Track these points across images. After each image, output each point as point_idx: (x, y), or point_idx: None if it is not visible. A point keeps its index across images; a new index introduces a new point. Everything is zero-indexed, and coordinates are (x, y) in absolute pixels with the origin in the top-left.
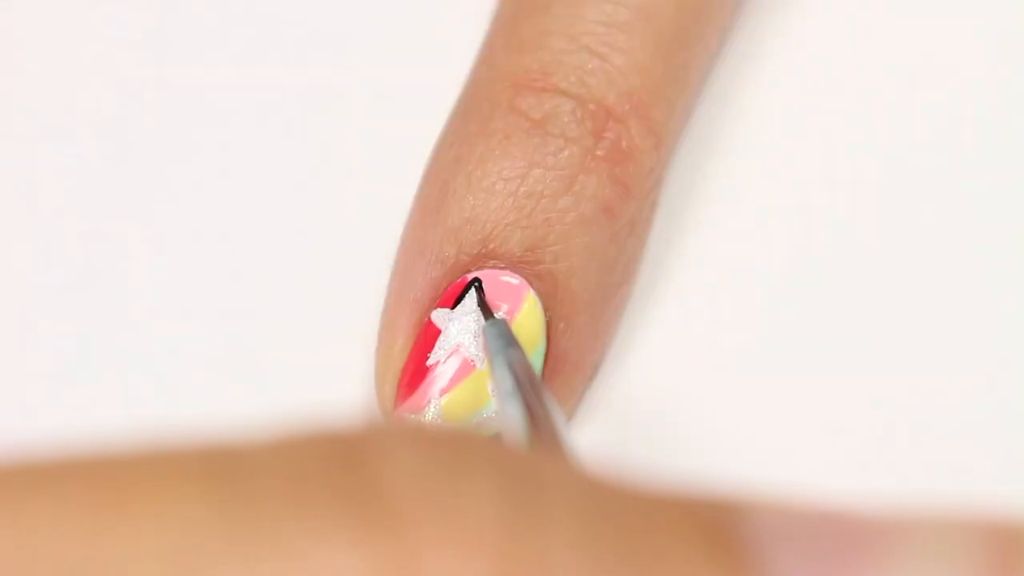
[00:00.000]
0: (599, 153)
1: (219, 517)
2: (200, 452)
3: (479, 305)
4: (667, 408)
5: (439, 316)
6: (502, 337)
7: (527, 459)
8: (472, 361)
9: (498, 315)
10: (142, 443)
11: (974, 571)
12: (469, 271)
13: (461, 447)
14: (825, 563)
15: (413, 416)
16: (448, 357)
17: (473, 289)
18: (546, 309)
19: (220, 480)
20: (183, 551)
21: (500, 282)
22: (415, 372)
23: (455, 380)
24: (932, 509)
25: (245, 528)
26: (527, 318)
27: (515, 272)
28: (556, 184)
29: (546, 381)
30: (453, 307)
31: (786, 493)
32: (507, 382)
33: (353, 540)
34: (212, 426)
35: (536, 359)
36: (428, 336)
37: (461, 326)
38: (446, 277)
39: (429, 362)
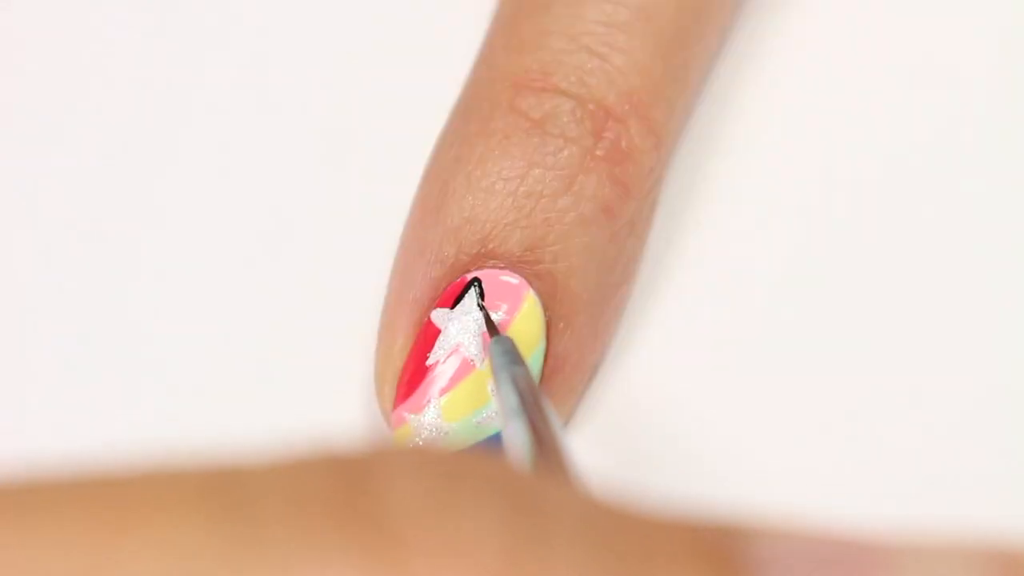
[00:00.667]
0: (599, 153)
1: (219, 541)
2: (201, 474)
3: (485, 323)
4: (667, 408)
5: (439, 316)
6: (507, 354)
7: (530, 485)
8: (472, 361)
9: (495, 316)
10: (143, 464)
11: None
12: (469, 271)
13: (464, 473)
14: None
15: (414, 416)
16: (448, 357)
17: (473, 290)
18: (546, 309)
19: (221, 504)
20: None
21: (500, 282)
22: (415, 372)
23: (455, 380)
24: (935, 534)
25: (245, 553)
26: (526, 318)
27: (515, 272)
28: (556, 184)
29: (546, 381)
30: (453, 307)
31: (789, 510)
32: (512, 400)
33: (354, 567)
34: (214, 442)
35: (536, 359)
36: (428, 336)
37: (461, 326)
38: (446, 277)
39: (429, 362)
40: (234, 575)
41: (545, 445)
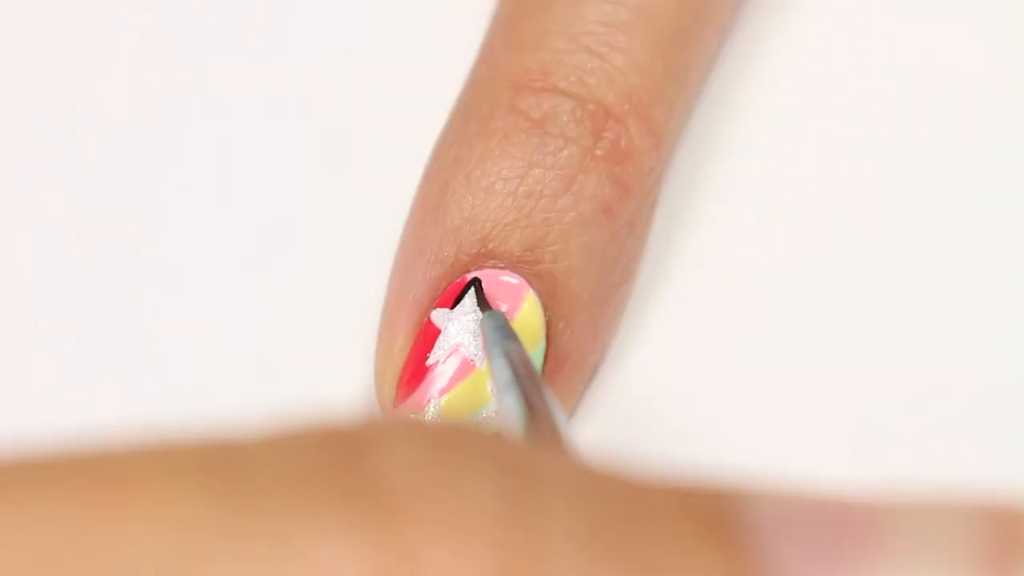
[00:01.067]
0: (598, 153)
1: (216, 515)
2: (196, 448)
3: (477, 298)
4: (667, 408)
5: (439, 316)
6: (500, 329)
7: (525, 453)
8: (472, 361)
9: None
10: (138, 439)
11: (973, 552)
12: (468, 271)
13: (459, 442)
14: (825, 549)
15: (414, 416)
16: (448, 357)
17: (472, 289)
18: (546, 309)
19: (217, 477)
20: (181, 549)
21: (500, 282)
22: (415, 372)
23: (455, 380)
24: (933, 493)
25: (243, 525)
26: (527, 318)
27: (514, 272)
28: (555, 184)
29: (546, 381)
30: (452, 307)
31: (784, 482)
32: (505, 373)
33: (351, 536)
34: (210, 423)
35: (536, 359)
36: (428, 336)
37: (461, 326)
38: (445, 277)
39: (429, 362)
40: (232, 547)
41: (539, 418)
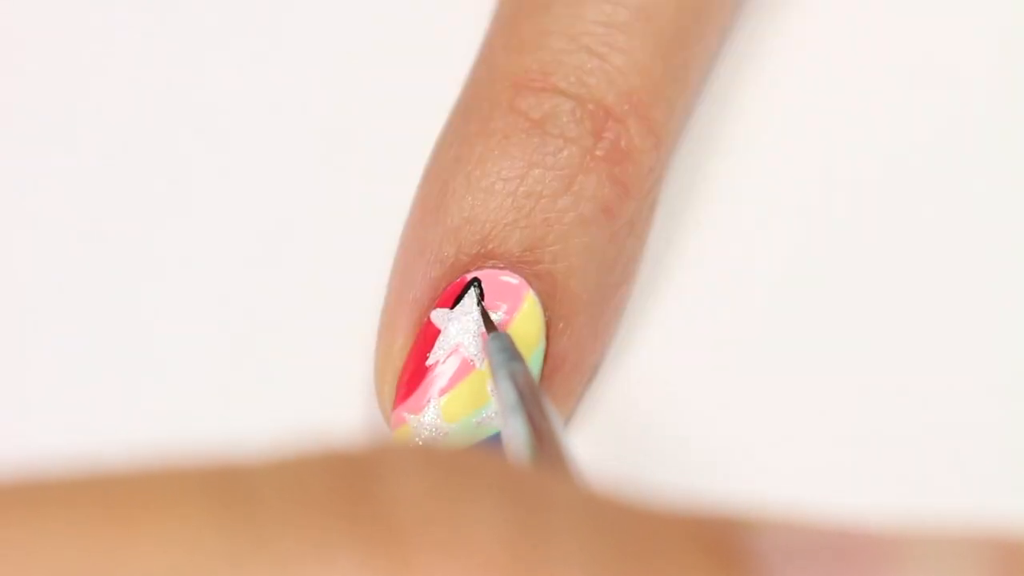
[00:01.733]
0: (598, 153)
1: (223, 539)
2: (204, 471)
3: (482, 317)
4: (667, 408)
5: (438, 316)
6: (505, 351)
7: (532, 480)
8: (471, 361)
9: (495, 316)
10: (146, 462)
11: None
12: (468, 271)
13: (466, 467)
14: None
15: (414, 417)
16: (448, 357)
17: (472, 290)
18: (545, 309)
19: (224, 501)
20: (187, 573)
21: (499, 282)
22: (415, 372)
23: (455, 380)
24: (938, 524)
25: (249, 550)
26: (526, 318)
27: (514, 272)
28: (555, 184)
29: (545, 381)
30: (452, 307)
31: (791, 508)
32: (511, 396)
33: (357, 563)
34: (217, 441)
35: (535, 359)
36: (427, 336)
37: (460, 326)
38: (445, 277)
39: (428, 362)
40: (238, 571)
41: (545, 440)
